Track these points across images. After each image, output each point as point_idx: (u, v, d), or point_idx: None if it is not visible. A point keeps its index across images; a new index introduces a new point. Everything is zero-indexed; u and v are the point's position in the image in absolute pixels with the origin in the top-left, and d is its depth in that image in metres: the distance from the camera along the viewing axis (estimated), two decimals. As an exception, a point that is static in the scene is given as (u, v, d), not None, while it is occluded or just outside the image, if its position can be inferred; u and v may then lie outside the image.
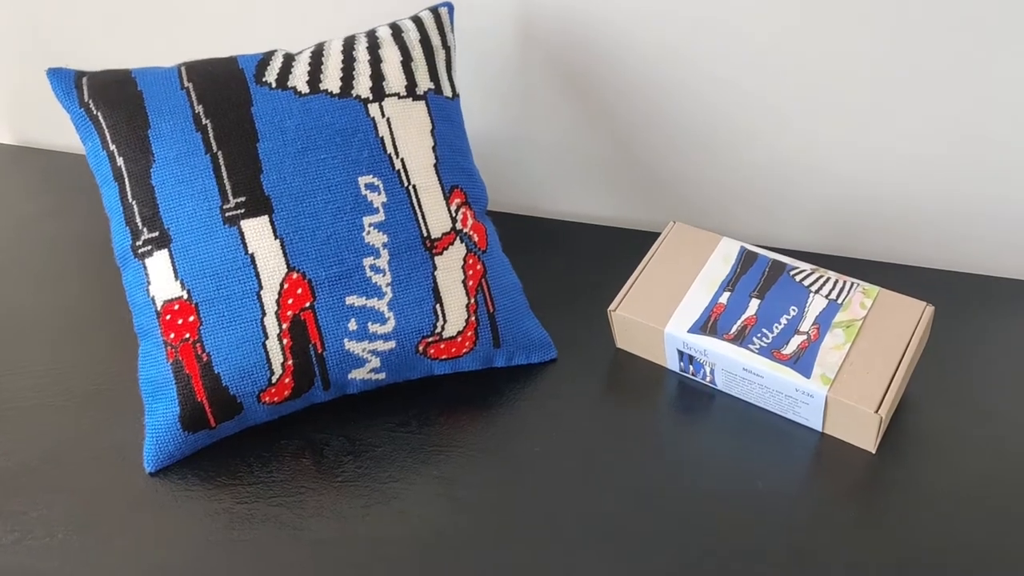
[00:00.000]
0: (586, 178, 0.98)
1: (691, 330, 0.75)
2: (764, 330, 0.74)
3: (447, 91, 0.80)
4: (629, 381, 0.79)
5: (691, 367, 0.77)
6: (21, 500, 0.70)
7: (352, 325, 0.72)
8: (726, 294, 0.76)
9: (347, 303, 0.72)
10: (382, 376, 0.75)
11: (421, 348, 0.75)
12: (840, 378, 0.70)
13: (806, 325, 0.73)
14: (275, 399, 0.72)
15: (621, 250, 0.91)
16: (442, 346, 0.76)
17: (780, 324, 0.74)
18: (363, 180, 0.73)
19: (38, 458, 0.73)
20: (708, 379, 0.77)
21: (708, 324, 0.75)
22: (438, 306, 0.75)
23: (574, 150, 0.96)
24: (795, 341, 0.72)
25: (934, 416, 0.74)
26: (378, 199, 0.74)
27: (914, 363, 0.74)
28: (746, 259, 0.79)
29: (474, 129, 0.98)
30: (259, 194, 0.71)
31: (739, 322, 0.74)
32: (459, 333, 0.76)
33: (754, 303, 0.75)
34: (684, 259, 0.80)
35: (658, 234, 0.92)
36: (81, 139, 0.74)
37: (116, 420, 0.76)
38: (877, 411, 0.68)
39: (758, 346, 0.73)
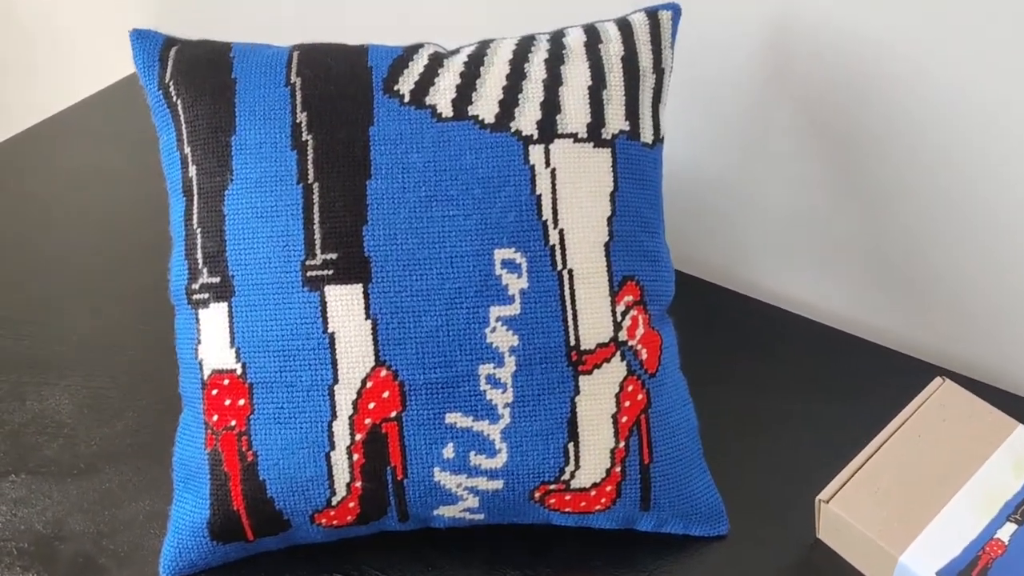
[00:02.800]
0: (824, 258, 0.71)
1: (943, 572, 0.49)
2: (1066, 609, 0.47)
3: (647, 134, 0.56)
4: (826, 601, 0.54)
5: (927, 614, 0.52)
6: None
7: (448, 451, 0.52)
8: (1010, 527, 0.50)
9: (447, 421, 0.52)
10: (479, 517, 0.55)
11: (537, 496, 0.54)
12: None
13: None
14: (334, 522, 0.54)
15: (855, 374, 0.65)
16: (567, 497, 0.54)
17: (1096, 607, 0.46)
18: (500, 254, 0.52)
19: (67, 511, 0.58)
20: (950, 640, 0.51)
21: (972, 571, 0.49)
22: (571, 445, 0.53)
23: (815, 221, 0.70)
24: (1118, 646, 0.45)
25: None
26: (516, 284, 0.52)
27: None
28: (1052, 472, 0.51)
29: (672, 171, 0.73)
30: (356, 253, 0.51)
31: (1025, 582, 0.48)
32: (594, 486, 0.54)
33: (1055, 556, 0.48)
34: (949, 445, 0.53)
35: (918, 370, 0.65)
36: (157, 130, 0.57)
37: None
38: None
39: (1051, 635, 0.46)
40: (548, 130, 0.53)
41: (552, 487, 0.53)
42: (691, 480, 0.56)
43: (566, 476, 0.53)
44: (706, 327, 0.69)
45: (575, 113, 0.54)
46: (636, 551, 0.57)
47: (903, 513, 0.51)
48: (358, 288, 0.51)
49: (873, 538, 0.51)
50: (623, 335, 0.54)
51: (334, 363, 0.51)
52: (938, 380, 0.56)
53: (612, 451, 0.53)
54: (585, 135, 0.54)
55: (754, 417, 0.63)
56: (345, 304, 0.51)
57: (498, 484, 0.53)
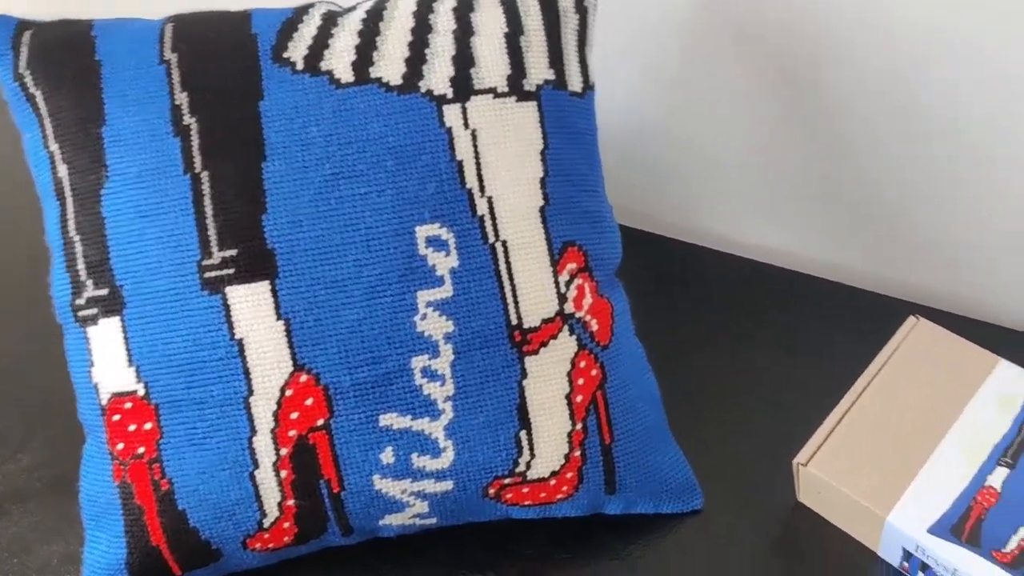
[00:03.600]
0: (778, 202, 0.67)
1: (934, 529, 0.45)
2: (1069, 556, 0.43)
3: (575, 82, 0.50)
4: (811, 562, 0.50)
5: (922, 574, 0.48)
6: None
7: (387, 456, 0.47)
8: (1001, 472, 0.46)
9: (382, 423, 0.46)
10: (431, 521, 0.50)
11: (492, 492, 0.49)
12: None
13: None
14: (269, 546, 0.48)
15: (825, 319, 0.61)
16: (525, 490, 0.49)
17: (1101, 551, 0.43)
18: (423, 231, 0.46)
19: None
20: (948, 599, 0.48)
21: (965, 524, 0.45)
22: (523, 434, 0.48)
23: (769, 165, 0.65)
24: None
25: None
26: (444, 263, 0.46)
27: None
28: (1040, 408, 0.47)
29: (608, 120, 0.68)
30: (258, 246, 0.45)
31: (1023, 532, 0.44)
32: (553, 474, 0.49)
33: (1053, 499, 0.45)
34: (929, 389, 0.49)
35: (892, 309, 0.61)
36: (19, 127, 0.50)
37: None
38: None
39: (1057, 586, 0.43)
40: (463, 87, 0.47)
41: (507, 481, 0.48)
42: (658, 456, 0.52)
43: (521, 467, 0.48)
44: (661, 285, 0.64)
45: (492, 65, 0.48)
46: (605, 537, 0.52)
47: (887, 468, 0.47)
48: (264, 285, 0.45)
49: (857, 499, 0.47)
50: (569, 307, 0.48)
51: (246, 372, 0.45)
52: (912, 320, 0.52)
53: (569, 435, 0.49)
54: (506, 89, 0.48)
55: (722, 377, 0.59)
56: (251, 305, 0.45)
57: (447, 485, 0.48)
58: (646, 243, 0.67)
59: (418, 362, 0.46)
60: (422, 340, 0.46)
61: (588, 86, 0.51)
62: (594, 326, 0.49)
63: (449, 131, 0.47)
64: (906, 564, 0.48)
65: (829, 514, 0.51)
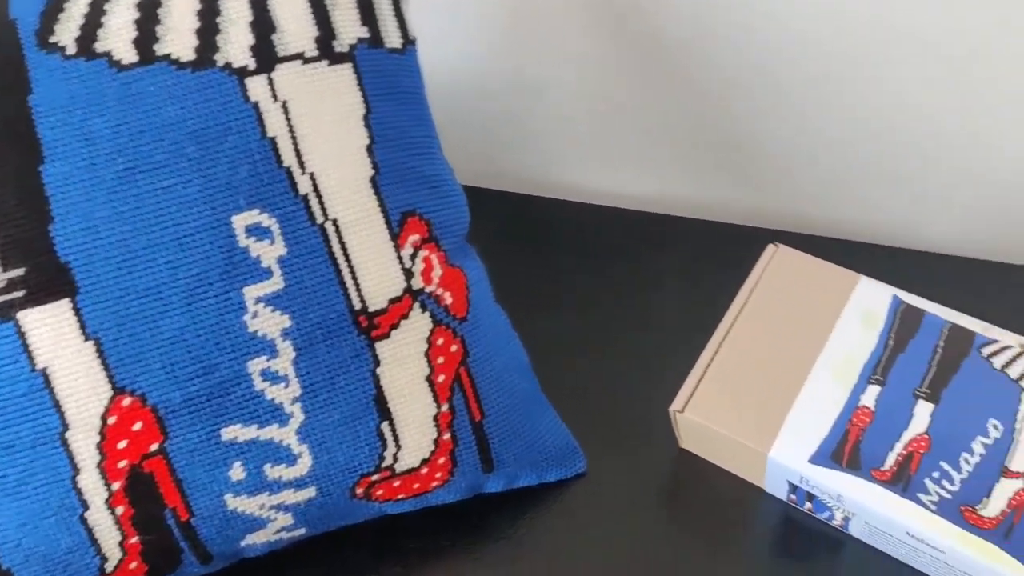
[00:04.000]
0: (624, 141, 0.65)
1: (815, 459, 0.44)
2: (945, 465, 0.43)
3: (392, 38, 0.46)
4: (701, 506, 0.49)
5: (809, 504, 0.47)
6: None
7: (237, 472, 0.42)
8: (873, 390, 0.45)
9: (225, 438, 0.42)
10: (299, 532, 0.46)
11: (360, 491, 0.45)
12: (1092, 570, 0.40)
13: (1021, 460, 0.42)
14: (119, 590, 0.43)
15: (692, 257, 0.59)
16: (396, 484, 0.46)
17: (973, 456, 0.43)
18: (241, 220, 0.41)
19: None
20: (838, 524, 0.47)
21: (844, 448, 0.44)
22: (386, 425, 0.44)
23: (603, 100, 0.63)
24: (1002, 493, 0.42)
25: None
26: (270, 252, 0.42)
27: None
28: (904, 320, 0.47)
29: (438, 77, 0.64)
30: (49, 261, 0.39)
31: (899, 447, 0.44)
32: (424, 462, 0.46)
33: (923, 411, 0.44)
34: (795, 317, 0.48)
35: (754, 239, 0.60)
36: None
37: None
38: None
39: (936, 497, 0.42)
40: (266, 56, 0.43)
41: (375, 477, 0.45)
42: (534, 424, 0.49)
43: (388, 461, 0.45)
44: (519, 245, 0.61)
45: (296, 28, 0.43)
46: (491, 517, 0.50)
47: (762, 403, 0.46)
48: (63, 305, 0.40)
49: (737, 439, 0.46)
50: (417, 282, 0.45)
51: (57, 405, 0.40)
52: (771, 248, 0.51)
53: (435, 418, 0.45)
54: (315, 53, 0.43)
55: (594, 331, 0.57)
56: (51, 329, 0.40)
57: (309, 492, 0.44)
58: (499, 202, 0.64)
59: (255, 365, 0.42)
60: (256, 341, 0.42)
61: (408, 41, 0.47)
62: (448, 299, 0.46)
63: (256, 106, 0.42)
64: (793, 496, 0.47)
65: (713, 456, 0.50)
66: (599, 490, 0.50)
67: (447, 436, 0.46)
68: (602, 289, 0.58)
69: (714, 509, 0.49)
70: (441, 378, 0.45)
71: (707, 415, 0.47)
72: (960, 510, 0.42)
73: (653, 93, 0.61)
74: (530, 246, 0.61)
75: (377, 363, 0.44)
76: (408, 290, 0.44)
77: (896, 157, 0.59)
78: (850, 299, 0.48)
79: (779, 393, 0.46)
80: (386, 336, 0.44)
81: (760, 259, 0.51)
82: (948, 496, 0.42)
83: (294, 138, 0.43)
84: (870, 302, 0.47)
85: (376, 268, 0.44)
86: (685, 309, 0.56)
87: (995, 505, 0.41)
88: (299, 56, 0.43)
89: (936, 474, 0.43)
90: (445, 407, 0.45)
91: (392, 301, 0.44)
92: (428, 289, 0.45)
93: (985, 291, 0.55)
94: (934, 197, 0.60)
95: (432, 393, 0.45)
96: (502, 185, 0.67)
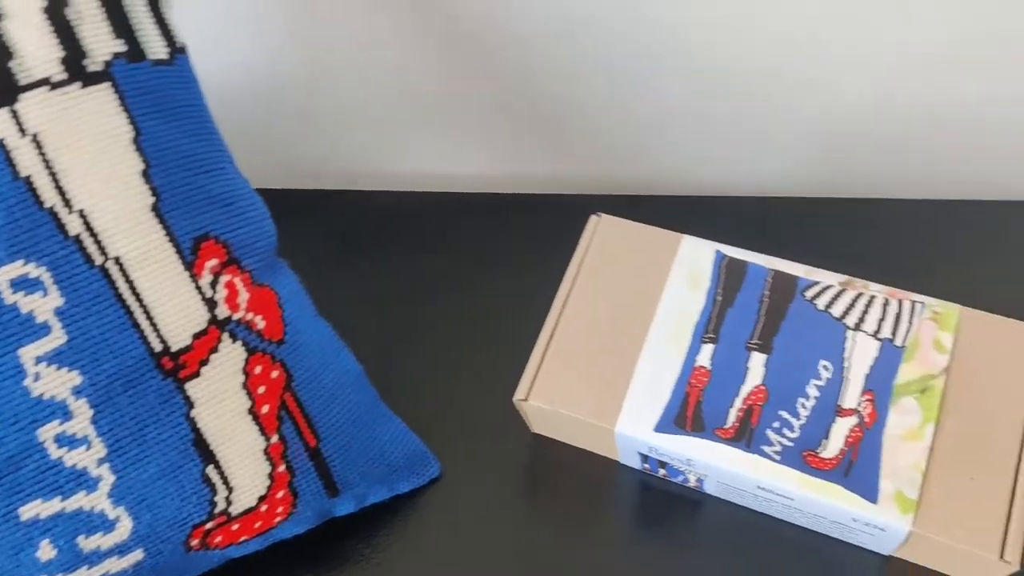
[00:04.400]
0: (430, 123, 0.62)
1: (660, 427, 0.44)
2: (783, 414, 0.43)
3: (156, 48, 0.42)
4: (562, 490, 0.48)
5: (663, 470, 0.47)
6: None
7: (46, 551, 0.38)
8: (708, 349, 0.45)
9: (24, 518, 0.38)
10: (137, 597, 0.42)
11: (196, 543, 0.42)
12: (928, 495, 0.41)
13: (852, 397, 0.43)
14: None
15: (520, 234, 0.58)
16: (235, 527, 0.43)
17: (808, 400, 0.43)
18: (3, 275, 0.37)
19: None
20: (693, 485, 0.47)
21: (686, 412, 0.44)
22: (211, 469, 0.41)
23: (401, 83, 0.60)
24: (838, 432, 0.43)
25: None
26: (44, 305, 0.37)
27: None
28: (729, 275, 0.47)
29: (220, 83, 0.60)
30: None
31: (739, 403, 0.44)
32: (262, 499, 0.42)
33: (757, 363, 0.44)
34: (625, 286, 0.47)
35: (575, 205, 0.59)
36: None
37: None
38: (1002, 556, 0.40)
39: (779, 447, 0.43)
40: (6, 86, 0.38)
41: (210, 525, 0.42)
42: (376, 437, 0.47)
43: (221, 506, 0.41)
44: (339, 245, 0.58)
45: (37, 51, 0.38)
46: (346, 540, 0.47)
47: (604, 379, 0.45)
48: None
49: (583, 419, 0.45)
50: (223, 311, 0.41)
51: None
52: (594, 219, 0.50)
53: (266, 451, 0.42)
54: (64, 76, 0.39)
55: (428, 325, 0.55)
56: None
57: (136, 556, 0.40)
58: (316, 202, 0.61)
59: (47, 432, 0.38)
60: (43, 405, 0.37)
61: (176, 49, 0.43)
62: (260, 323, 0.43)
63: (1, 144, 0.37)
64: (646, 465, 0.47)
65: (566, 436, 0.49)
66: (457, 491, 0.49)
67: (282, 468, 0.43)
68: (433, 280, 0.56)
69: (574, 490, 0.48)
70: (265, 408, 0.42)
71: (551, 400, 0.45)
72: (803, 456, 0.42)
73: (450, 71, 0.58)
74: (345, 246, 0.58)
75: (191, 405, 0.40)
76: (213, 321, 0.41)
77: (704, 98, 0.59)
78: (675, 260, 0.47)
79: (618, 366, 0.45)
80: (196, 375, 0.40)
81: (584, 231, 0.50)
82: (790, 444, 0.42)
83: (53, 175, 0.38)
84: (694, 261, 0.47)
85: (173, 303, 0.40)
86: (520, 288, 0.55)
87: (834, 445, 0.42)
88: (45, 82, 0.38)
89: (776, 424, 0.43)
90: (275, 438, 0.42)
91: (197, 336, 0.40)
92: (236, 316, 0.42)
93: (808, 228, 0.56)
94: (748, 141, 0.61)
95: (258, 426, 0.42)
96: (315, 184, 0.64)
